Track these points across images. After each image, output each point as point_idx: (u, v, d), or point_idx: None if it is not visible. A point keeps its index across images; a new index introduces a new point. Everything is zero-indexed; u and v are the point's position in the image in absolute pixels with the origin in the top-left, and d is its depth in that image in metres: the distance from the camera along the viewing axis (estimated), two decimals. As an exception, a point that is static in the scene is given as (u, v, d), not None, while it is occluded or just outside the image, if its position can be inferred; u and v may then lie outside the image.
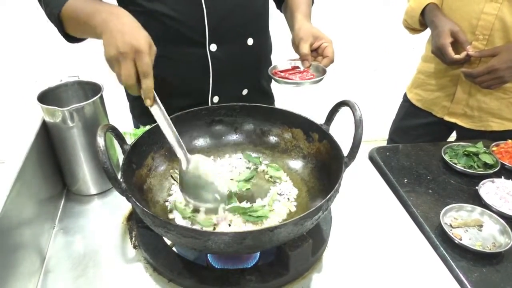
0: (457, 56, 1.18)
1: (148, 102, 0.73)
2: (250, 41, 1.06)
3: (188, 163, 0.80)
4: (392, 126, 1.59)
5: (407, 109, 1.50)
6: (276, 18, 1.17)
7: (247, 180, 0.91)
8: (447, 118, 1.37)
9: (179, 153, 0.79)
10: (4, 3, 2.22)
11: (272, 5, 1.17)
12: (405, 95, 1.53)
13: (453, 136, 1.51)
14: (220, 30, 1.00)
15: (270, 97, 1.27)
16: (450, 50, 1.18)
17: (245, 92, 1.13)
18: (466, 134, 1.36)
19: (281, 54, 1.07)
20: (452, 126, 1.40)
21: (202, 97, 1.08)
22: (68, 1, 0.84)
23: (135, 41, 0.68)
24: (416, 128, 1.48)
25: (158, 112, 0.75)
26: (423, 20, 1.31)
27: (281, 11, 1.19)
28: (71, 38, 0.92)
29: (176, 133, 0.77)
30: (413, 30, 1.41)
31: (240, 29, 1.04)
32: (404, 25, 1.42)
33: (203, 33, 0.98)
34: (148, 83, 0.71)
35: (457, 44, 1.19)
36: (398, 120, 1.56)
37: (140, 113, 1.18)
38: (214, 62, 1.02)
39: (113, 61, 0.70)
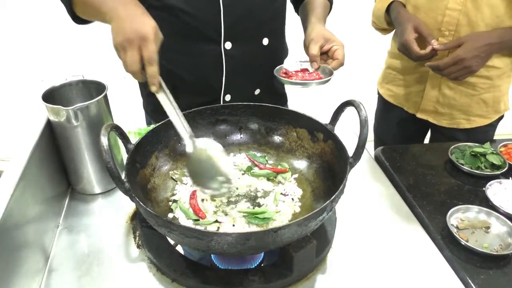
0: (422, 51, 1.15)
1: (153, 89, 0.74)
2: (265, 41, 1.05)
3: (194, 147, 0.80)
4: (375, 123, 1.56)
5: (382, 105, 1.49)
6: (293, 22, 1.16)
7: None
8: (419, 115, 1.35)
9: (185, 137, 0.79)
10: (8, 2, 2.23)
11: (290, 9, 1.16)
12: (377, 90, 1.50)
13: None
14: (236, 28, 0.99)
15: (283, 99, 1.26)
16: (415, 46, 1.15)
17: (257, 92, 1.12)
18: (439, 131, 1.35)
19: (299, 56, 1.05)
20: (428, 125, 1.37)
21: (214, 95, 1.07)
22: None
23: (141, 28, 0.70)
24: (393, 125, 1.46)
25: (164, 98, 0.76)
26: (389, 19, 1.29)
27: (298, 14, 1.18)
28: (78, 19, 0.91)
29: (183, 117, 0.78)
30: (382, 30, 1.39)
31: (256, 29, 1.03)
32: (374, 27, 1.41)
33: (219, 30, 0.97)
34: (153, 69, 0.72)
35: (423, 40, 1.17)
36: (378, 117, 1.54)
37: (153, 110, 1.18)
38: (228, 60, 1.02)
39: (120, 48, 0.71)
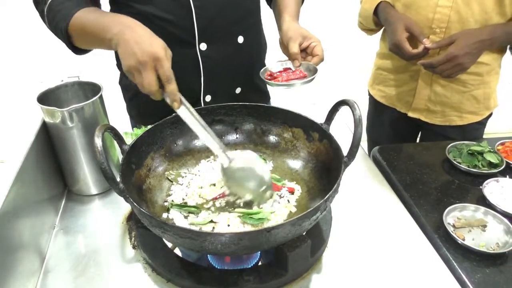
0: (415, 51, 1.15)
1: (175, 105, 0.75)
2: (240, 39, 1.05)
3: (229, 161, 0.82)
4: (367, 124, 1.56)
5: (373, 106, 1.49)
6: (271, 17, 1.16)
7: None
8: (410, 114, 1.35)
9: (218, 152, 0.81)
10: (4, 3, 2.23)
11: (264, 3, 1.16)
12: (368, 92, 1.50)
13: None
14: (210, 29, 0.99)
15: (265, 95, 1.27)
16: (407, 46, 1.15)
17: (238, 90, 1.12)
18: (431, 129, 1.35)
19: (277, 52, 1.06)
20: (419, 123, 1.37)
21: (195, 97, 1.07)
22: (75, 15, 0.84)
23: (152, 49, 0.70)
24: (385, 126, 1.47)
25: (186, 113, 0.76)
26: (377, 20, 1.29)
27: (270, 7, 1.18)
28: (78, 50, 0.92)
29: (211, 131, 0.79)
30: (369, 31, 1.39)
31: (230, 28, 1.03)
32: (360, 28, 1.40)
33: (193, 32, 0.98)
34: (173, 87, 0.73)
35: (414, 39, 1.17)
36: (370, 118, 1.54)
37: (137, 114, 1.18)
38: (204, 61, 1.02)
39: (134, 71, 0.72)
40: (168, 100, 0.74)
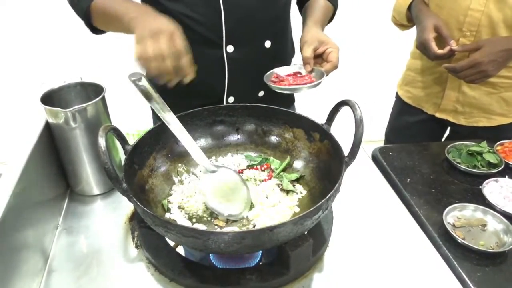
0: (440, 51, 1.15)
1: (189, 78, 0.78)
2: (267, 44, 1.05)
3: (212, 172, 0.84)
4: (388, 126, 1.58)
5: (400, 107, 1.50)
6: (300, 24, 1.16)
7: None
8: (438, 115, 1.36)
9: (200, 161, 0.83)
10: (4, 3, 2.24)
11: (295, 9, 1.16)
12: (396, 92, 1.51)
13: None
14: (237, 32, 0.99)
15: (290, 100, 1.25)
16: (433, 45, 1.16)
17: (261, 94, 1.12)
18: (458, 131, 1.35)
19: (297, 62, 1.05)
20: (445, 124, 1.38)
21: (218, 97, 1.08)
22: None
23: (168, 24, 0.75)
24: (410, 127, 1.47)
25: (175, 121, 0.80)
26: (410, 16, 1.30)
27: (301, 15, 1.17)
28: (96, 30, 0.96)
29: (195, 145, 0.83)
30: (402, 26, 1.40)
31: (257, 32, 1.03)
32: (393, 22, 1.42)
33: (220, 34, 0.98)
34: (188, 58, 0.76)
35: (442, 40, 1.17)
36: (392, 120, 1.55)
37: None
38: (230, 63, 1.02)
39: (146, 39, 0.72)
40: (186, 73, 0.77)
